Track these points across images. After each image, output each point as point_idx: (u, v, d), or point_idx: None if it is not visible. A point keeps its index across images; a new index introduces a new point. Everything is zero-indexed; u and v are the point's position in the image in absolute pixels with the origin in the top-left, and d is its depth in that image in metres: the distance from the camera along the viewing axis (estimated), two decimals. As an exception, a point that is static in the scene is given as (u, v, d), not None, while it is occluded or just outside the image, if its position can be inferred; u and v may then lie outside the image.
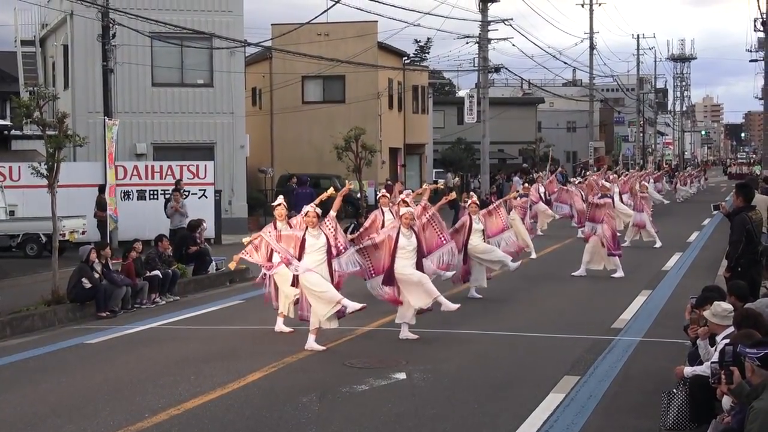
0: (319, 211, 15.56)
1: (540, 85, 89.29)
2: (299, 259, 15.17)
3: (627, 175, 45.91)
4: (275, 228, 16.47)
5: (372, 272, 16.22)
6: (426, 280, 16.16)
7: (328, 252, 15.32)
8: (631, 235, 32.26)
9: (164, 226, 27.70)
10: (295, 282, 15.38)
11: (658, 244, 31.41)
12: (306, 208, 15.63)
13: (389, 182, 39.93)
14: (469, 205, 21.22)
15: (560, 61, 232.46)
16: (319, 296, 15.15)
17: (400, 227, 16.22)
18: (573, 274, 24.46)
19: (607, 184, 27.28)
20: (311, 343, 15.31)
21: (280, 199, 17.31)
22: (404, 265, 16.02)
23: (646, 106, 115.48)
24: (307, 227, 15.38)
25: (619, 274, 23.96)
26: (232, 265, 16.47)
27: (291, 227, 16.30)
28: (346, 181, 29.30)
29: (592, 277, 24.00)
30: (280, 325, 16.93)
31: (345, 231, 32.19)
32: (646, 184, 37.80)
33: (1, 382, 14.07)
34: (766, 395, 8.03)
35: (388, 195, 21.53)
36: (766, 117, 64.82)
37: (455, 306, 16.36)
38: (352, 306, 15.13)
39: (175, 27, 35.62)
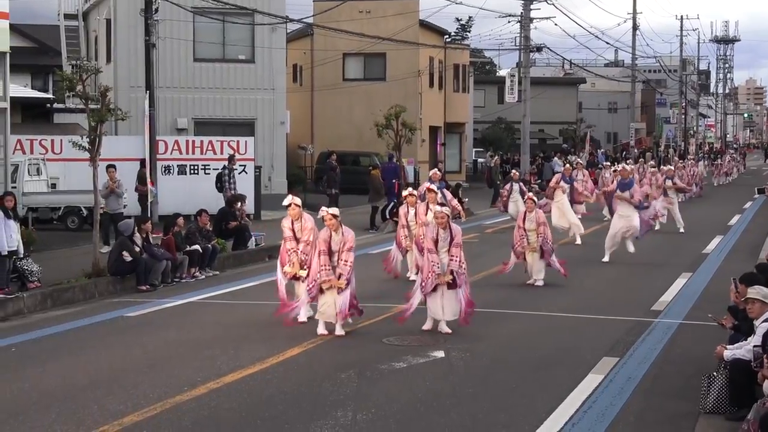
0: (335, 212, 15.08)
1: (582, 65, 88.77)
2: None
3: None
4: (292, 227, 16.03)
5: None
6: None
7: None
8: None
9: (204, 201, 27.73)
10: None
11: (681, 229, 31.09)
12: (321, 213, 15.07)
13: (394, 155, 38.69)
14: (525, 200, 21.19)
15: (602, 41, 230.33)
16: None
17: (438, 228, 15.34)
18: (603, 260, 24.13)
19: (628, 167, 26.72)
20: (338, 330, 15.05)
21: (289, 199, 16.24)
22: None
23: (688, 88, 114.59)
24: (331, 232, 14.96)
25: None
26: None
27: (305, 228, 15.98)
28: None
29: (631, 259, 23.82)
30: (303, 315, 16.44)
31: (384, 209, 32.53)
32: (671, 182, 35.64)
33: (41, 352, 14.21)
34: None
35: (414, 194, 21.36)
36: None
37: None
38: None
39: (218, 2, 35.66)
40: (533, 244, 20.02)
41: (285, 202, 16.22)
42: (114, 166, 25.74)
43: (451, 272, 15.03)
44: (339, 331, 14.85)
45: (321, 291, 14.94)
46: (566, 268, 20.24)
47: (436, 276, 15.01)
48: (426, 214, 19.58)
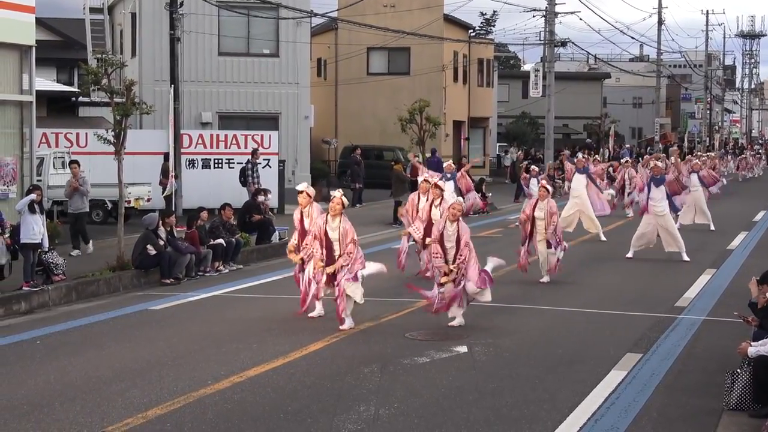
0: (346, 201, 15.22)
1: (606, 60, 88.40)
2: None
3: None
4: (302, 218, 16.14)
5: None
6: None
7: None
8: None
9: (228, 195, 27.78)
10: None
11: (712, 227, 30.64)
12: (334, 193, 15.25)
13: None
14: (539, 188, 20.67)
15: (627, 36, 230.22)
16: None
17: (446, 222, 15.30)
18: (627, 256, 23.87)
19: (660, 164, 26.33)
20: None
21: (303, 186, 16.53)
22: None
23: (713, 83, 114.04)
24: (327, 217, 15.14)
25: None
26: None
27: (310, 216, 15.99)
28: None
29: (655, 255, 23.72)
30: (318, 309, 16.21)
31: (400, 204, 32.49)
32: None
33: (66, 345, 14.30)
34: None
35: (429, 180, 20.99)
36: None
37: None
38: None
39: (242, -4, 35.79)
40: (542, 234, 19.56)
41: (299, 188, 16.42)
42: (77, 162, 24.42)
43: (451, 271, 14.99)
44: (347, 324, 14.85)
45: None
46: (559, 266, 19.80)
47: (437, 270, 15.13)
48: (429, 210, 19.21)
